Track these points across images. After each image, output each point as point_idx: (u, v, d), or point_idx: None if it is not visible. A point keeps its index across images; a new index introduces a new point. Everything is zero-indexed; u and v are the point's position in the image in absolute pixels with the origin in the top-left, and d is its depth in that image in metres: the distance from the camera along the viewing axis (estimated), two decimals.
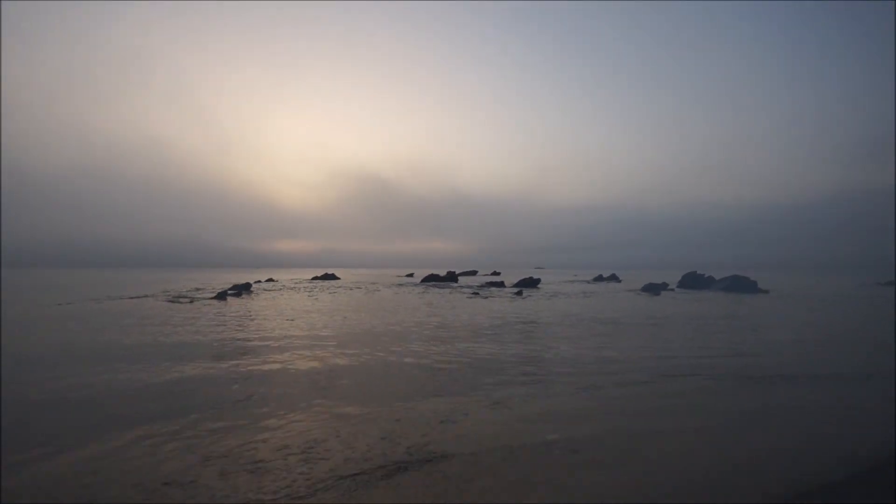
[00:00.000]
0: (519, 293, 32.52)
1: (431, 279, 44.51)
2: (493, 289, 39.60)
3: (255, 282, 46.61)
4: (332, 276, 61.10)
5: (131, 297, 24.94)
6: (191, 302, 22.33)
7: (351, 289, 36.31)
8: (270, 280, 49.79)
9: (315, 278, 59.33)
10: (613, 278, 55.23)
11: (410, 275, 73.39)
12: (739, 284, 35.89)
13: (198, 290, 30.55)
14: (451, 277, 44.73)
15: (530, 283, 42.84)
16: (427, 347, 10.51)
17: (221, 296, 25.11)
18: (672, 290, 36.43)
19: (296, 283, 47.16)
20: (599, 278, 55.40)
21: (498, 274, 76.81)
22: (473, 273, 79.83)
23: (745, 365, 9.07)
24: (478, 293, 31.86)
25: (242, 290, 29.51)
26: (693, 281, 42.93)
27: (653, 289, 35.06)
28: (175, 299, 23.58)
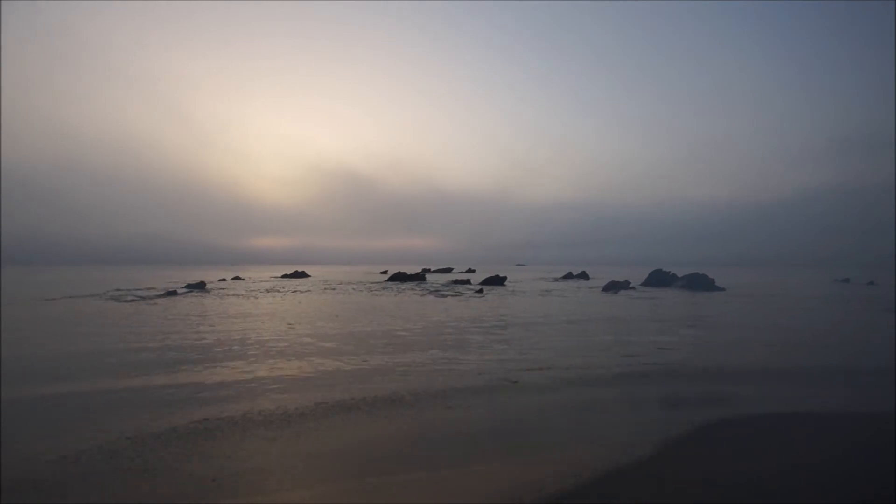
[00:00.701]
0: (480, 291, 32.78)
1: (399, 278, 44.51)
2: (458, 286, 39.96)
3: (220, 279, 46.10)
4: (303, 274, 60.70)
5: (81, 296, 24.55)
6: (135, 301, 22.04)
7: (309, 290, 36.16)
8: (237, 278, 49.22)
9: (285, 276, 58.89)
10: (583, 276, 55.85)
11: (385, 272, 73.22)
12: (697, 282, 36.65)
13: (150, 288, 30.12)
14: (419, 276, 44.79)
15: (496, 280, 43.21)
16: (314, 360, 9.91)
17: (170, 295, 24.82)
18: (633, 288, 37.00)
19: (261, 281, 46.76)
20: (569, 276, 55.98)
21: (473, 271, 77.71)
22: (448, 270, 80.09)
23: (561, 371, 9.02)
24: (438, 292, 32.01)
25: (196, 288, 29.18)
26: (658, 279, 43.70)
27: (613, 287, 35.59)
28: (119, 298, 23.25)
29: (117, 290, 29.03)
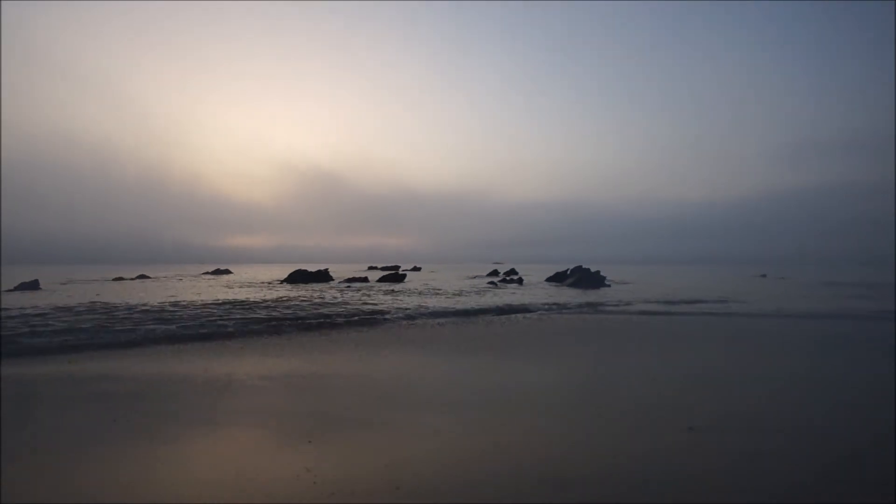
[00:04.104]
0: (358, 289, 31.53)
1: (297, 278, 42.75)
2: (355, 283, 38.59)
3: (116, 278, 44.09)
4: (226, 272, 59.08)
5: None
6: None
7: (171, 294, 34.41)
8: (142, 276, 47.30)
9: (206, 273, 57.09)
10: (510, 272, 54.47)
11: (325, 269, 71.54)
12: (587, 279, 35.22)
13: None
14: (322, 275, 43.15)
15: (395, 278, 42.00)
16: None
17: None
18: (520, 284, 35.48)
19: (165, 278, 44.89)
20: (494, 273, 54.60)
21: (418, 269, 77.97)
22: (396, 268, 78.79)
23: None
24: (319, 291, 30.46)
25: (26, 289, 27.26)
26: (562, 275, 42.75)
27: (495, 284, 34.38)
28: None
29: None
